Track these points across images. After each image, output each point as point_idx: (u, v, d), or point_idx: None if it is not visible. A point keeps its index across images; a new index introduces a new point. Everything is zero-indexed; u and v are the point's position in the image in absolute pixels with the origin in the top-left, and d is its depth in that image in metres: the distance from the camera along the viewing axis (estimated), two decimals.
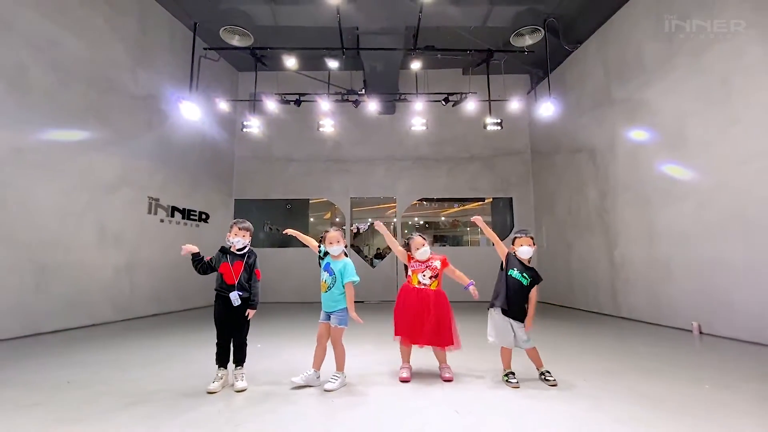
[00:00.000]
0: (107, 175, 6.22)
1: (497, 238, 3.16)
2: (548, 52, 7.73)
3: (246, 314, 2.97)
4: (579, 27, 7.62)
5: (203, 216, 8.49)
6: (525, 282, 3.03)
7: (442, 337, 3.10)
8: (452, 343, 3.13)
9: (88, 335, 5.12)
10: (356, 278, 2.99)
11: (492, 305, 3.09)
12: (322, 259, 3.10)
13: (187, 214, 7.99)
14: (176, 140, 7.69)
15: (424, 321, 3.08)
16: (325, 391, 2.81)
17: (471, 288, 3.17)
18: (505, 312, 3.01)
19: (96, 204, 6.02)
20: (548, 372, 3.00)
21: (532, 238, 3.12)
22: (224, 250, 3.04)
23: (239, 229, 3.01)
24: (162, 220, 7.35)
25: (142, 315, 6.75)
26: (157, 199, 7.22)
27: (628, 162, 6.47)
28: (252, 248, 3.13)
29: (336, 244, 3.01)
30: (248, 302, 2.98)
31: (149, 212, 7.06)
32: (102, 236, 6.12)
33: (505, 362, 3.05)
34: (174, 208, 7.64)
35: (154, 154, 7.15)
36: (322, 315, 3.03)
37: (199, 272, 3.01)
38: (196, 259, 2.99)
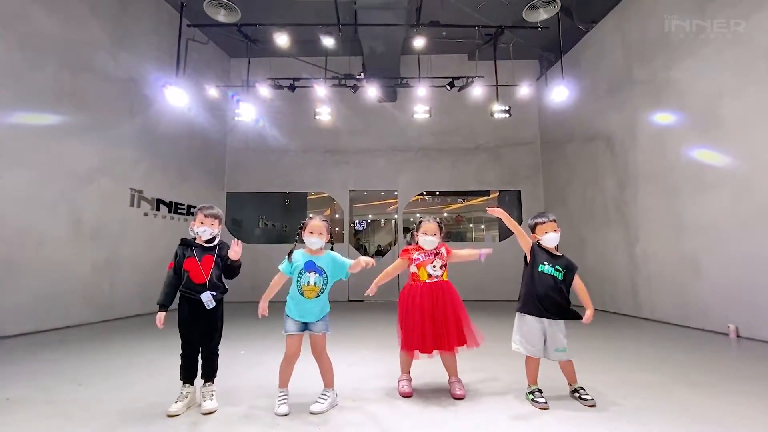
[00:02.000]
0: (83, 163, 5.70)
1: (520, 229, 2.61)
2: (561, 33, 7.16)
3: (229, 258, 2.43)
4: (594, 5, 7.05)
5: (192, 210, 7.98)
6: (559, 276, 2.50)
7: (461, 336, 2.59)
8: (474, 340, 2.61)
9: (59, 339, 4.62)
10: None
11: (520, 309, 2.55)
12: (289, 258, 2.47)
13: (174, 207, 7.48)
14: (162, 128, 7.17)
15: (442, 320, 2.55)
16: (312, 413, 2.28)
17: (484, 254, 2.66)
18: (539, 314, 2.47)
19: (70, 195, 5.51)
20: (583, 389, 2.47)
21: (555, 221, 2.59)
22: (187, 243, 2.51)
23: (205, 216, 2.47)
24: (146, 214, 6.84)
25: (124, 315, 6.25)
26: (140, 191, 6.71)
27: (651, 149, 5.92)
28: (223, 240, 2.59)
29: (318, 236, 2.44)
30: (221, 304, 2.48)
31: (131, 205, 6.55)
32: (78, 230, 5.61)
33: (530, 376, 2.51)
34: (159, 201, 7.13)
35: (136, 142, 6.63)
36: (296, 326, 2.41)
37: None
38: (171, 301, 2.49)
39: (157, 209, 7.07)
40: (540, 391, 2.46)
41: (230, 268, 2.51)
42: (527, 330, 2.49)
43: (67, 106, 5.50)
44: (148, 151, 6.89)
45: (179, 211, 7.60)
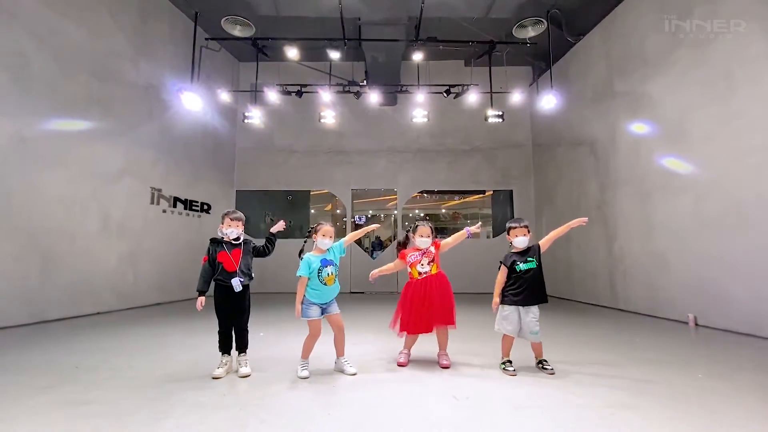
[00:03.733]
0: (110, 165, 6.26)
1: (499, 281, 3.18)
2: (551, 44, 7.69)
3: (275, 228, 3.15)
4: (582, 19, 7.57)
5: (205, 207, 8.54)
6: (534, 264, 3.06)
7: (445, 316, 3.16)
8: (452, 322, 3.19)
9: (93, 323, 5.20)
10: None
11: (502, 302, 3.09)
12: (300, 256, 3.06)
13: (189, 204, 8.04)
14: (178, 131, 7.71)
15: (427, 306, 3.14)
16: (352, 374, 2.94)
17: (471, 230, 3.22)
18: (518, 303, 3.02)
19: (100, 194, 6.07)
20: (546, 361, 3.06)
21: (527, 227, 3.16)
22: (217, 241, 3.08)
23: (231, 219, 3.06)
24: (164, 211, 7.40)
25: (146, 304, 6.84)
26: (159, 190, 7.27)
27: (628, 155, 6.48)
28: (247, 237, 3.20)
29: (330, 239, 3.06)
30: (248, 289, 3.08)
31: (152, 202, 7.11)
32: (106, 226, 6.18)
33: (504, 350, 3.10)
34: (176, 199, 7.69)
35: (155, 144, 7.18)
36: (317, 311, 2.98)
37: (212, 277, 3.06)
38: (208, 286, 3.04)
39: (174, 206, 7.63)
40: (510, 362, 3.05)
41: (265, 249, 3.16)
42: (506, 315, 3.06)
43: (96, 112, 6.04)
44: (166, 152, 7.44)
45: (194, 208, 8.16)
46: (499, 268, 3.19)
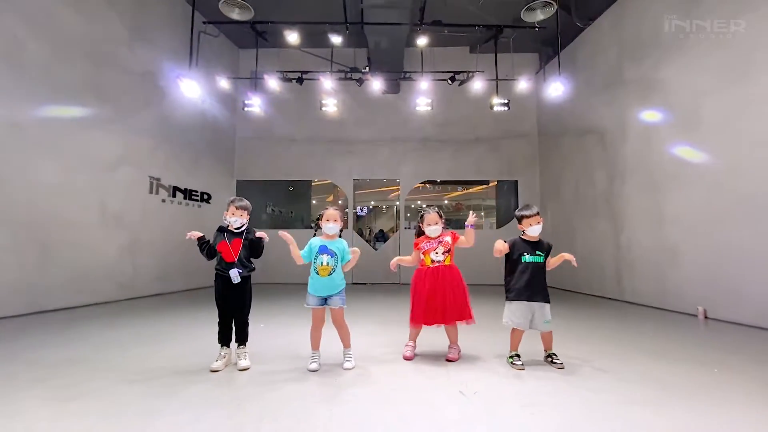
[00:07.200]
0: (107, 153, 6.12)
1: (497, 245, 3.03)
2: (559, 30, 7.44)
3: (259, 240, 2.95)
4: (593, 2, 7.31)
5: (205, 196, 8.42)
6: (541, 259, 2.95)
7: (460, 312, 3.05)
8: (470, 317, 3.07)
9: (91, 314, 5.12)
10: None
11: (510, 298, 2.97)
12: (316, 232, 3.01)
13: (188, 194, 7.91)
14: (176, 119, 7.55)
15: (440, 298, 3.02)
16: (345, 369, 2.82)
17: (470, 222, 3.08)
18: (528, 299, 2.90)
19: (97, 183, 5.94)
20: (555, 354, 2.95)
21: (538, 214, 3.01)
22: (222, 229, 2.99)
23: (236, 208, 2.95)
24: (163, 200, 7.28)
25: (146, 294, 6.76)
26: (158, 179, 7.14)
27: (638, 145, 6.30)
28: (250, 226, 3.09)
29: (334, 222, 2.94)
30: (249, 280, 2.97)
31: (151, 192, 6.98)
32: (103, 215, 6.07)
33: (513, 343, 2.99)
34: (175, 188, 7.56)
35: (153, 132, 7.03)
36: (316, 300, 2.88)
37: (206, 257, 2.98)
38: (202, 243, 2.96)
39: (174, 196, 7.51)
40: (518, 356, 2.94)
41: (255, 248, 3.01)
42: (516, 309, 2.92)
43: (92, 98, 5.88)
44: (164, 141, 7.29)
45: (193, 197, 8.04)
46: (506, 250, 3.02)
